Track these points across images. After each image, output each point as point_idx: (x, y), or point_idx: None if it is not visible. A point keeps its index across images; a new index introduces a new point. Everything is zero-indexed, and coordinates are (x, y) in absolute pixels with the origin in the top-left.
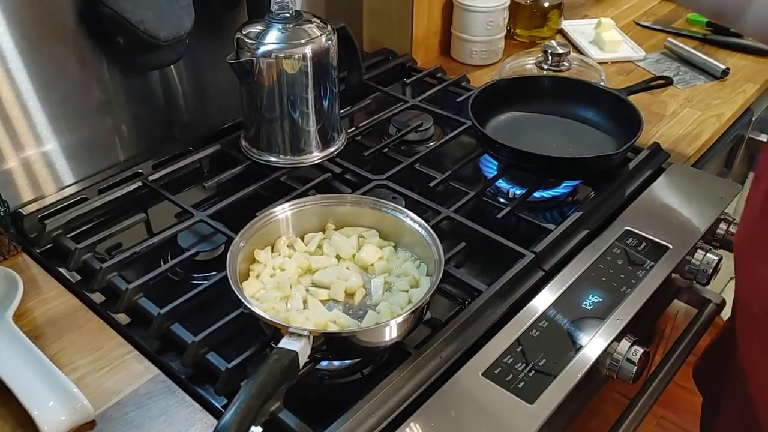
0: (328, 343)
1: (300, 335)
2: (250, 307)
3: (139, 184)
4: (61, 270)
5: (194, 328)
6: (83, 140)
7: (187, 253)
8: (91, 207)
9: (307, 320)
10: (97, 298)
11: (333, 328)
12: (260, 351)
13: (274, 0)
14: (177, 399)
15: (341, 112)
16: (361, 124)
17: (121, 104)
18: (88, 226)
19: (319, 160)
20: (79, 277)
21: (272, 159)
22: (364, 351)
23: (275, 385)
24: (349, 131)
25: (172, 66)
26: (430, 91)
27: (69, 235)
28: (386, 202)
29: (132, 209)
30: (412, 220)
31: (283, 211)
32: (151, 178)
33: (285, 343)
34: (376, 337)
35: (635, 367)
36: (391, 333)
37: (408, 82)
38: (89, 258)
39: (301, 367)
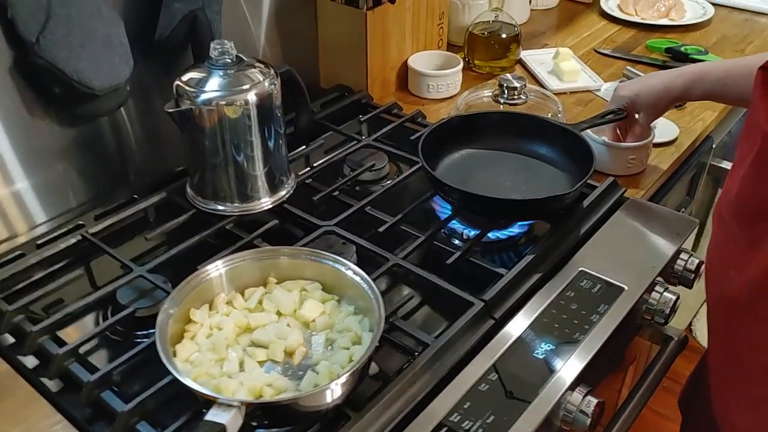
0: (262, 411)
1: (229, 406)
2: (177, 377)
3: (79, 237)
4: None
5: (128, 394)
6: (25, 190)
7: (124, 312)
8: (28, 264)
9: (241, 385)
10: (31, 362)
11: (269, 393)
12: (194, 419)
13: (213, 46)
14: None
15: (291, 154)
16: (315, 164)
17: (67, 152)
18: (25, 283)
19: (268, 207)
20: (13, 340)
21: (219, 207)
22: (302, 416)
23: None
24: (300, 173)
25: (122, 109)
26: (385, 129)
27: (2, 295)
28: (325, 253)
29: (73, 264)
30: (353, 273)
31: (216, 268)
32: (92, 230)
33: (213, 414)
34: (314, 402)
35: (589, 419)
36: (331, 395)
37: (363, 119)
38: (21, 320)
39: None
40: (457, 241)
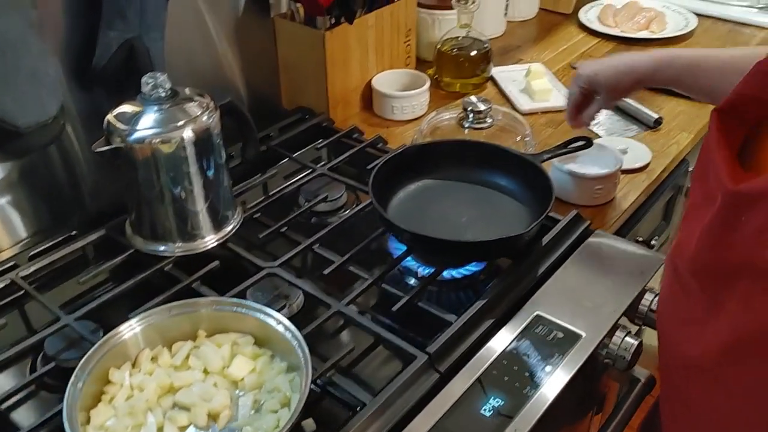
0: None
1: None
2: None
3: (10, 281)
4: None
5: None
6: None
7: (48, 366)
8: None
9: None
10: None
11: None
12: None
13: (144, 79)
14: None
15: (243, 184)
16: (271, 193)
17: (2, 187)
18: None
19: (211, 245)
20: None
21: (159, 248)
22: None
23: None
24: (251, 205)
25: (69, 137)
26: (344, 155)
27: None
28: (251, 304)
29: (2, 310)
30: (284, 328)
31: (130, 328)
32: (23, 273)
33: None
34: None
35: None
36: None
37: (321, 145)
38: None
39: None
40: (411, 280)
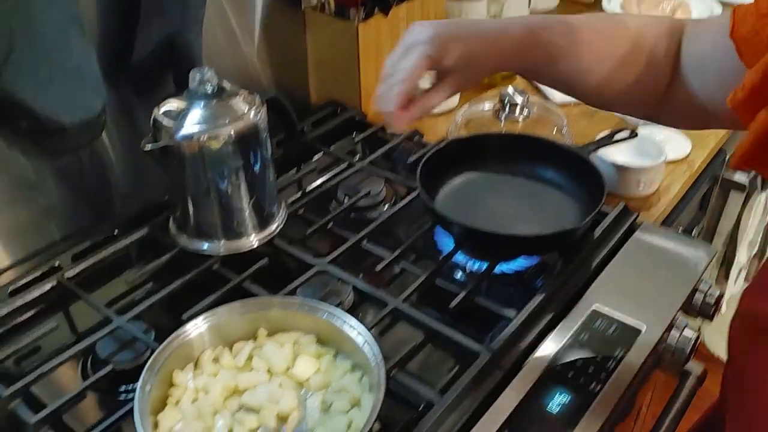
0: None
1: None
2: None
3: (55, 283)
4: None
5: None
6: None
7: (103, 371)
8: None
9: None
10: (3, 426)
11: None
12: None
13: (192, 74)
14: None
15: (281, 179)
16: (308, 189)
17: (42, 186)
18: None
19: (257, 243)
20: None
21: (204, 247)
22: None
23: None
24: (291, 200)
25: (104, 137)
26: (380, 150)
27: None
28: (320, 304)
29: (48, 311)
30: (350, 327)
31: (196, 327)
32: (69, 274)
33: None
34: None
35: None
36: None
37: (357, 139)
38: None
39: None
40: (460, 274)
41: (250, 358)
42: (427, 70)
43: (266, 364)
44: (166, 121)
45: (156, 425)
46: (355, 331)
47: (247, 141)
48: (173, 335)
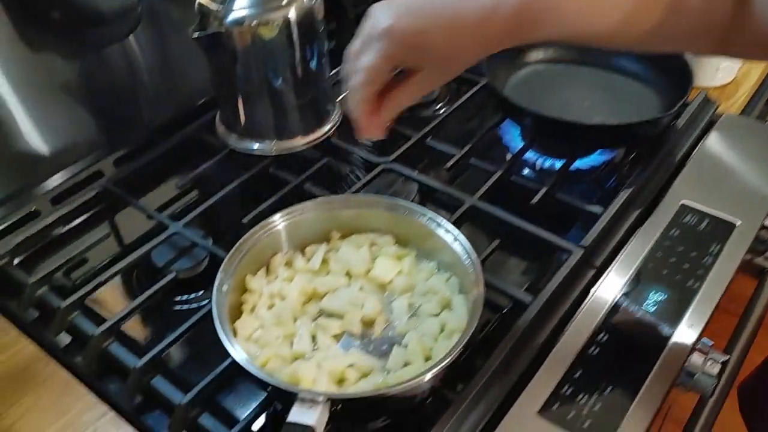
0: (346, 407)
1: (314, 402)
2: (256, 373)
3: (99, 189)
4: (13, 307)
5: (180, 379)
6: (29, 135)
7: (166, 278)
8: (43, 224)
9: (319, 369)
10: (62, 339)
11: (352, 376)
12: (265, 409)
13: None
14: None
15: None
16: None
17: (73, 90)
18: (41, 245)
19: (313, 143)
20: (37, 314)
21: (255, 146)
22: (392, 409)
23: None
24: (341, 98)
25: (131, 37)
26: None
27: (17, 262)
28: (404, 202)
29: (95, 220)
30: (437, 224)
31: (275, 224)
32: (113, 179)
33: (297, 414)
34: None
35: (714, 381)
36: (432, 380)
37: None
38: (45, 293)
39: None
40: (532, 176)
41: (325, 261)
42: (391, 71)
43: (344, 266)
44: (213, 5)
45: (234, 333)
46: (443, 228)
47: (301, 28)
48: (244, 238)
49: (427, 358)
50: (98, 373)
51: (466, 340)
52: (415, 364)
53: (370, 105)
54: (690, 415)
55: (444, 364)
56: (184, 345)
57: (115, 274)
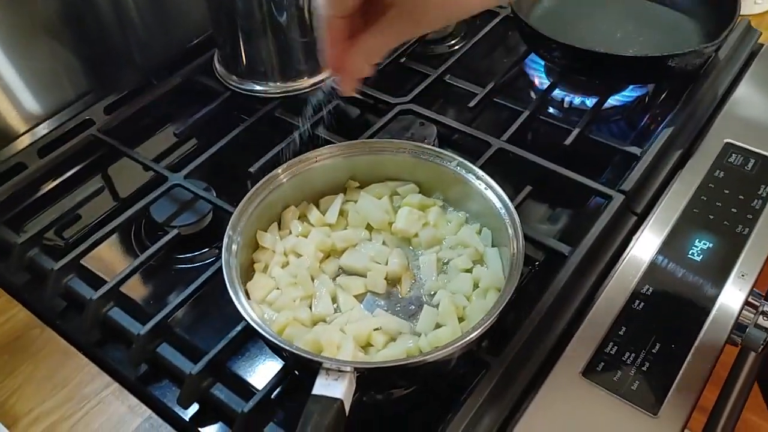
0: (375, 376)
1: (341, 372)
2: (273, 340)
3: (90, 138)
4: (1, 270)
5: (192, 346)
6: (12, 80)
7: (168, 236)
8: (30, 178)
9: (343, 334)
10: (58, 304)
11: (380, 340)
12: (283, 379)
13: None
14: None
15: None
16: None
17: (58, 31)
18: (29, 201)
19: (322, 83)
20: (28, 277)
21: (257, 88)
22: (423, 375)
23: None
24: None
25: None
26: None
27: (3, 220)
28: (429, 147)
29: (86, 172)
30: (466, 171)
31: (275, 180)
32: (103, 127)
33: (322, 386)
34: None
35: (766, 335)
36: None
37: None
38: (36, 255)
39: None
40: (554, 111)
41: (342, 214)
42: (353, 8)
43: (363, 219)
44: None
45: (246, 296)
46: (473, 174)
47: None
48: (252, 189)
49: (461, 319)
50: (99, 341)
51: (507, 300)
52: (449, 325)
53: (334, 34)
54: (730, 368)
55: (484, 326)
56: (191, 309)
57: (111, 232)
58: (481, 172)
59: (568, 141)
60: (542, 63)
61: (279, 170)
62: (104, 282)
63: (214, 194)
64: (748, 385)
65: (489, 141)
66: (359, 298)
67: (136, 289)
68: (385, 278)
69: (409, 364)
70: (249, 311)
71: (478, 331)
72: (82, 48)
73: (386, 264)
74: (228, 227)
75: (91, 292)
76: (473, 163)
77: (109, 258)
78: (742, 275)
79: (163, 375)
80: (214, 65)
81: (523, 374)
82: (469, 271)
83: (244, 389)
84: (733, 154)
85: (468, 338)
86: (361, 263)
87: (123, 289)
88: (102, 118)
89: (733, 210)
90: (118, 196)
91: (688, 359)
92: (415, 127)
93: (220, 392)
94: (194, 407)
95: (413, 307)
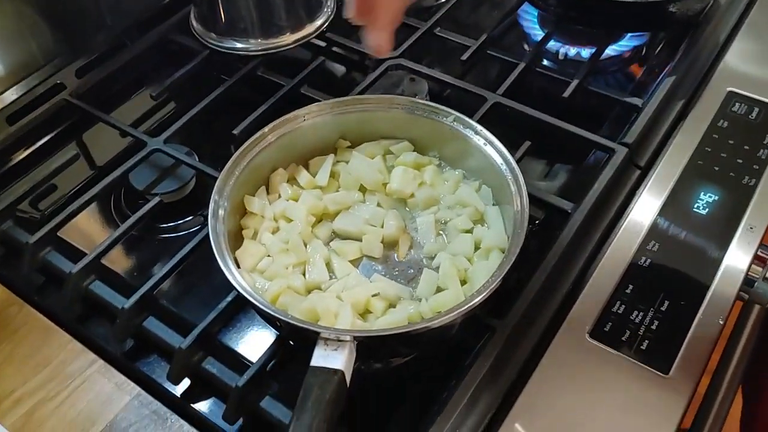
0: (374, 344)
1: (340, 341)
2: (269, 311)
3: (62, 103)
4: None
5: (179, 319)
6: None
7: (149, 204)
8: (0, 146)
9: (341, 302)
10: (35, 279)
11: (378, 307)
12: (278, 350)
13: None
14: (172, 430)
15: None
16: None
17: None
18: (0, 172)
19: (304, 39)
20: (2, 251)
21: (238, 45)
22: (426, 342)
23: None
24: None
25: None
26: None
27: None
28: (424, 102)
29: (59, 141)
30: (463, 125)
31: (261, 141)
32: (76, 91)
33: (321, 357)
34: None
35: None
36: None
37: None
38: (10, 228)
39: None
40: (549, 64)
41: (333, 175)
42: None
43: (356, 181)
44: None
45: (236, 264)
46: (471, 130)
47: None
48: (238, 152)
49: (463, 282)
50: (81, 317)
51: (513, 261)
52: (450, 289)
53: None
54: (735, 322)
55: (490, 289)
56: (178, 280)
57: (89, 202)
58: (479, 127)
59: (567, 93)
60: (536, 13)
61: (266, 129)
62: (84, 254)
63: (197, 159)
64: (753, 340)
65: (484, 95)
66: (355, 263)
67: (118, 261)
68: (382, 242)
69: (411, 331)
70: (239, 280)
71: (484, 294)
72: (49, 7)
73: (382, 227)
74: (213, 192)
75: (70, 265)
76: (465, 111)
77: (88, 229)
78: (750, 228)
79: (150, 350)
80: (191, 22)
81: (528, 337)
82: (469, 231)
83: (238, 362)
84: (737, 103)
85: (473, 302)
86: (355, 226)
87: (104, 261)
88: (74, 82)
89: (738, 161)
90: (94, 164)
91: (698, 317)
92: (406, 83)
93: (212, 366)
94: (185, 383)
95: (412, 271)
